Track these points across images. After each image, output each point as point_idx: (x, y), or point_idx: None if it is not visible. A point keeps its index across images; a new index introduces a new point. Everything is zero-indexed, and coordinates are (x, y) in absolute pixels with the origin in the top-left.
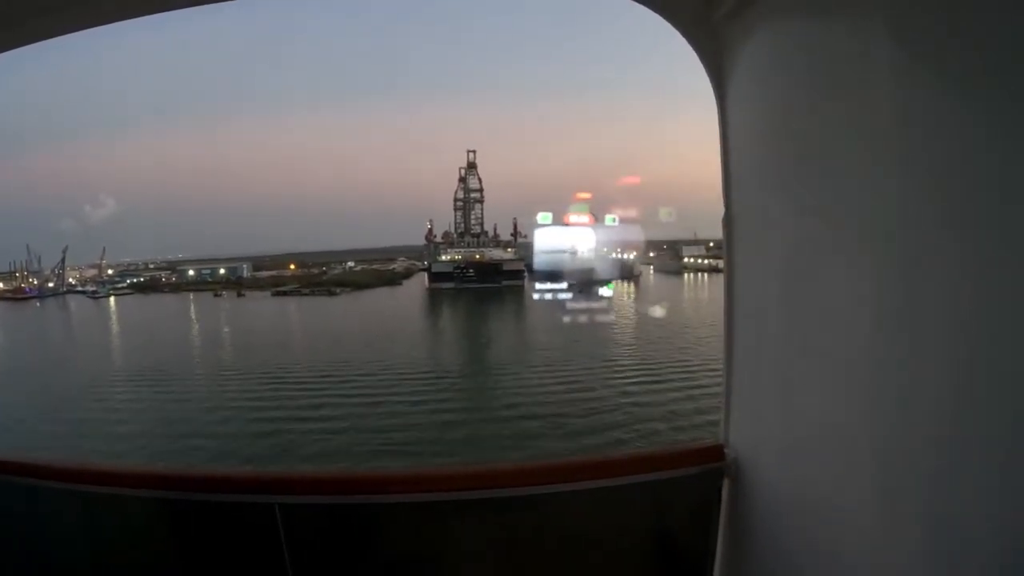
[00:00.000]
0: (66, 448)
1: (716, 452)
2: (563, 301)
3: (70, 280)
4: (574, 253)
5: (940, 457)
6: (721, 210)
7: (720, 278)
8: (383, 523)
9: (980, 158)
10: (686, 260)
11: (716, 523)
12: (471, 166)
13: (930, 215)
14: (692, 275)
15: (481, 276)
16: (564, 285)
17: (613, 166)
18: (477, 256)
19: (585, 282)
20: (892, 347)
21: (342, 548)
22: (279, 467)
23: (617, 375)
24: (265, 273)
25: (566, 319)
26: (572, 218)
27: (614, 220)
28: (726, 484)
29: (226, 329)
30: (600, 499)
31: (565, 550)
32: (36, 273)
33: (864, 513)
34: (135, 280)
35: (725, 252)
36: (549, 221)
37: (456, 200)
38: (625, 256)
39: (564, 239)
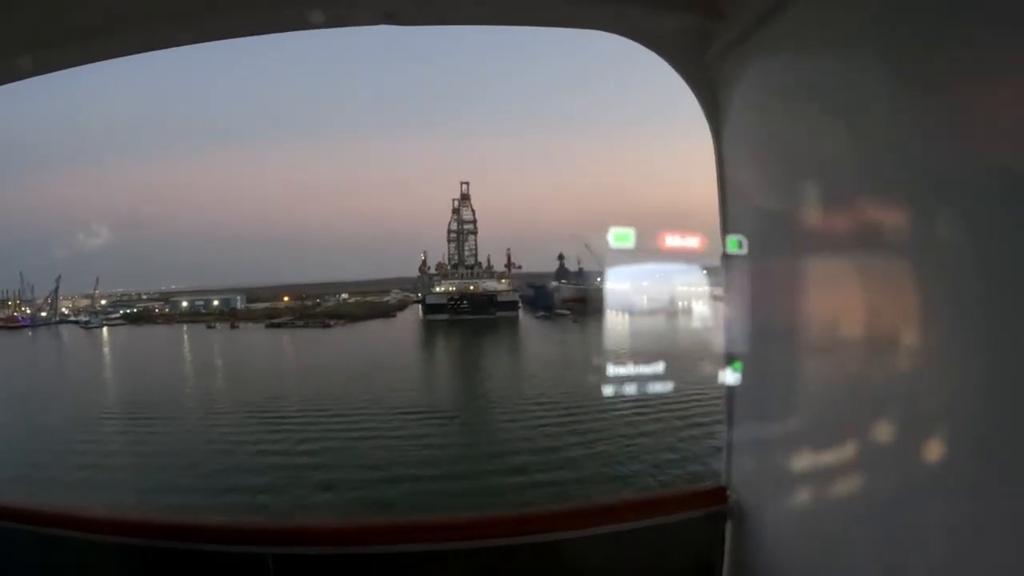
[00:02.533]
0: (39, 494)
1: (719, 495)
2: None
3: (63, 310)
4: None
5: (949, 499)
6: (717, 237)
7: (714, 305)
8: (382, 575)
9: (980, 184)
10: (680, 288)
11: (720, 567)
12: (464, 197)
13: (932, 244)
14: (686, 303)
15: (475, 308)
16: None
17: (605, 195)
18: (471, 288)
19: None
20: (898, 385)
21: None
22: (272, 515)
23: None
24: (259, 304)
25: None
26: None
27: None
28: (729, 526)
29: (219, 362)
30: (603, 545)
31: None
32: (29, 302)
33: (870, 555)
34: (128, 311)
35: (724, 288)
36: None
37: (450, 232)
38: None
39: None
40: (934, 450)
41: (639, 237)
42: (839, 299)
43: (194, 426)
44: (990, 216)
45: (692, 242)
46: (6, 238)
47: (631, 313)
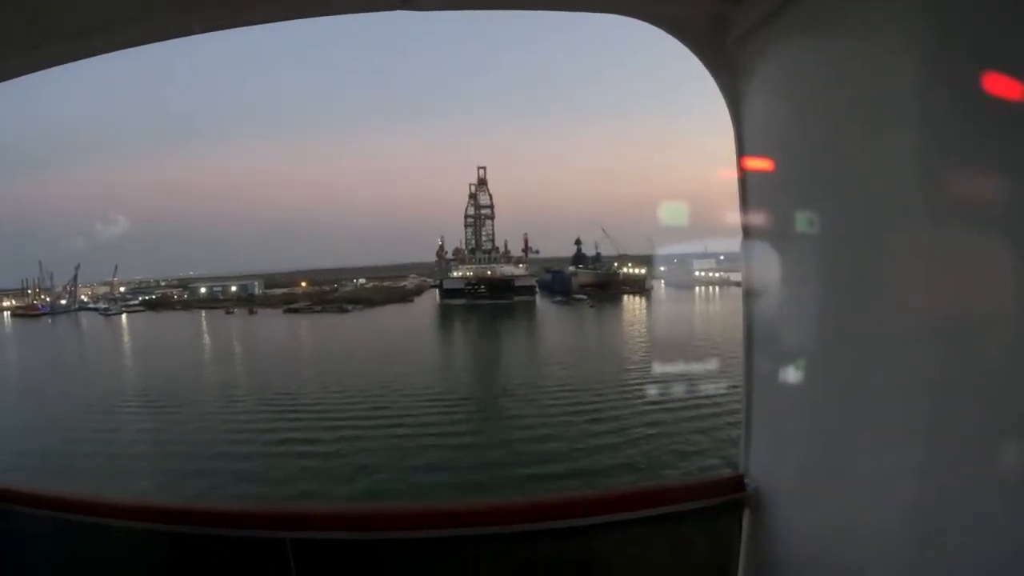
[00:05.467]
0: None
1: (736, 483)
2: None
3: (82, 297)
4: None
5: (972, 486)
6: (733, 223)
7: (730, 291)
8: (399, 560)
9: (1003, 169)
10: (697, 274)
11: (737, 556)
12: (481, 183)
13: (954, 230)
14: (703, 288)
15: (493, 292)
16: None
17: (622, 181)
18: (488, 272)
19: None
20: (920, 369)
21: None
22: (291, 500)
23: None
24: (277, 290)
25: None
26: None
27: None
28: (746, 515)
29: (238, 348)
30: (620, 533)
31: None
32: (48, 290)
33: (891, 545)
34: (147, 297)
35: (743, 275)
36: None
37: (467, 217)
38: (636, 270)
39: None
40: (956, 440)
41: (657, 224)
42: (860, 285)
43: (214, 414)
44: (1010, 204)
45: (711, 228)
46: (26, 228)
47: (648, 299)
